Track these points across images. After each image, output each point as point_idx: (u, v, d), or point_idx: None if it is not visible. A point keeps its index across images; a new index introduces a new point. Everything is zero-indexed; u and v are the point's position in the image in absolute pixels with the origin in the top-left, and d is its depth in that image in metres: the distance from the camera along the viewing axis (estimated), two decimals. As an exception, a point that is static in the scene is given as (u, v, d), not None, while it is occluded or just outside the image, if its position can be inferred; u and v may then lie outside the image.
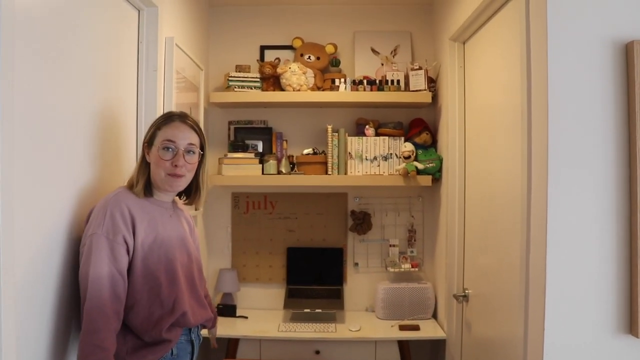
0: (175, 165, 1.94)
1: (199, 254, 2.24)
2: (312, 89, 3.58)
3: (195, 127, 2.02)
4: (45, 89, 1.68)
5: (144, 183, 1.97)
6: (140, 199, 1.94)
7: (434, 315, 3.60)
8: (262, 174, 3.57)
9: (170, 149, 1.94)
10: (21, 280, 1.55)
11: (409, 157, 3.49)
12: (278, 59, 3.63)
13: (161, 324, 1.92)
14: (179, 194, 2.14)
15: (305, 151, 3.67)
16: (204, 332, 2.33)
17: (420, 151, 3.54)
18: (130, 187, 1.97)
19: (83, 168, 1.96)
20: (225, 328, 3.41)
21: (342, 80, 3.55)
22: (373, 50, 3.74)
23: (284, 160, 3.62)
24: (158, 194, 2.02)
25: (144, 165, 1.99)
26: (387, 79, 3.55)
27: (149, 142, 1.98)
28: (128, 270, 1.87)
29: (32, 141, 1.61)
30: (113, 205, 1.84)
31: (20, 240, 1.54)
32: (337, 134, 3.55)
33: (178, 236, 2.06)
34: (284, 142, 3.70)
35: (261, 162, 3.58)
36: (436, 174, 3.50)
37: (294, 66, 3.53)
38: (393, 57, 3.72)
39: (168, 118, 2.00)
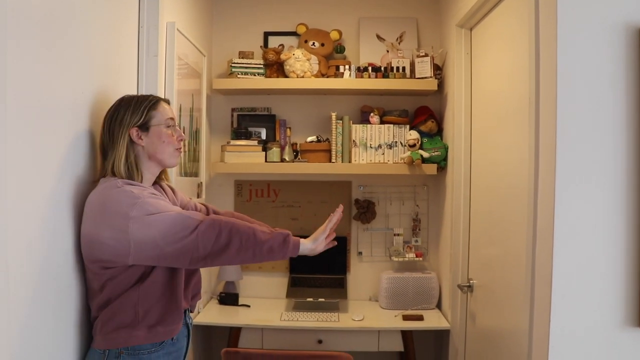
0: (181, 140, 2.03)
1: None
2: (316, 76, 3.54)
3: None
4: (42, 76, 1.64)
5: (142, 172, 1.95)
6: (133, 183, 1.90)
7: (438, 306, 3.58)
8: (265, 161, 3.54)
9: (172, 126, 2.00)
10: (17, 271, 1.52)
11: (414, 145, 3.45)
12: (282, 45, 3.59)
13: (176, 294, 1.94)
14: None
15: (309, 139, 3.63)
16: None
17: (425, 139, 3.49)
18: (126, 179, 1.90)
19: (82, 156, 1.92)
20: (227, 317, 3.40)
21: (347, 67, 3.51)
22: (378, 37, 3.69)
23: (287, 148, 3.59)
24: (147, 180, 1.98)
25: (132, 152, 1.92)
26: (393, 65, 3.50)
27: (142, 125, 1.93)
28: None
29: (28, 130, 1.57)
30: (121, 184, 1.81)
31: (16, 231, 1.51)
32: (341, 121, 3.51)
33: None
34: (288, 129, 3.67)
35: (264, 149, 3.56)
36: (441, 163, 3.46)
37: (298, 52, 3.49)
38: (399, 43, 3.66)
39: (154, 98, 1.99)
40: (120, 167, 1.89)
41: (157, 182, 2.08)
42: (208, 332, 3.67)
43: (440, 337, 3.58)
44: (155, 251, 1.76)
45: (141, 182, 1.94)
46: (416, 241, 3.73)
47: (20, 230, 1.54)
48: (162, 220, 1.76)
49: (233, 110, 3.78)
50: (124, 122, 1.91)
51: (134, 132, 1.92)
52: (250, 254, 1.81)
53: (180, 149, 2.04)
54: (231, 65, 3.52)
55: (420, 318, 3.35)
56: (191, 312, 2.14)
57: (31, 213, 1.61)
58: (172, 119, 2.00)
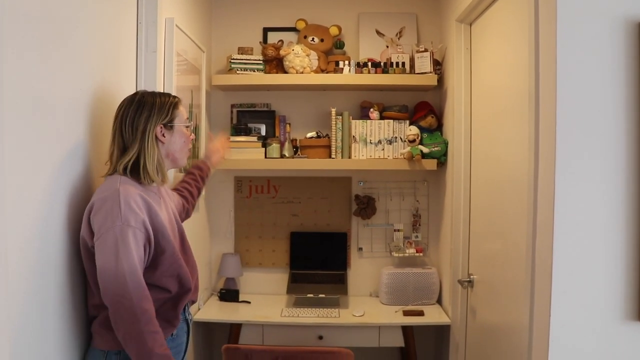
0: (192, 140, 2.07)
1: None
2: (316, 72, 3.53)
3: None
4: (40, 73, 1.63)
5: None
6: (139, 186, 1.88)
7: (439, 301, 3.58)
8: (265, 157, 3.53)
9: (189, 127, 2.04)
10: (15, 268, 1.52)
11: (414, 140, 3.44)
12: (281, 41, 3.57)
13: (178, 305, 1.97)
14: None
15: (309, 135, 3.62)
16: None
17: (425, 135, 3.49)
18: (135, 177, 1.89)
19: (81, 153, 1.92)
20: (228, 313, 3.40)
21: (347, 62, 3.50)
22: (378, 32, 3.67)
23: (287, 144, 3.59)
24: (158, 180, 1.96)
25: (158, 149, 1.93)
26: (392, 61, 3.49)
27: (167, 123, 1.94)
28: (156, 251, 1.88)
29: (25, 126, 1.56)
30: (124, 194, 1.78)
31: (15, 228, 1.51)
32: (341, 117, 3.51)
33: (168, 219, 2.03)
34: (287, 125, 3.66)
35: (264, 145, 3.55)
36: (441, 158, 3.46)
37: (298, 48, 3.48)
38: (398, 39, 3.65)
39: (175, 97, 2.01)
40: (152, 165, 1.89)
41: None
42: (208, 329, 3.68)
43: (441, 333, 3.58)
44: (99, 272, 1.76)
45: (162, 181, 1.96)
46: (416, 237, 3.73)
47: (19, 227, 1.54)
48: (117, 268, 1.72)
49: (232, 106, 3.77)
50: (151, 118, 1.91)
51: (158, 129, 1.92)
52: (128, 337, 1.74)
53: (190, 149, 2.08)
54: (230, 61, 3.51)
55: (420, 313, 3.35)
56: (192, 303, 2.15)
57: (29, 210, 1.60)
58: (188, 119, 2.04)
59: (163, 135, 1.93)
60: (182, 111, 2.01)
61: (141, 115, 1.89)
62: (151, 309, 1.76)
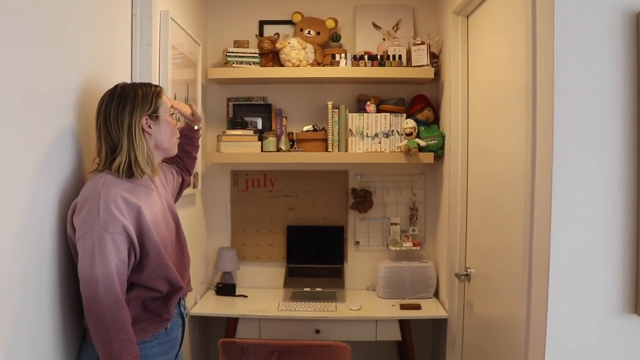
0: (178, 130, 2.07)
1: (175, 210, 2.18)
2: (312, 65, 3.52)
3: None
4: (31, 65, 1.62)
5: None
6: (126, 184, 1.85)
7: (436, 295, 3.57)
8: (262, 151, 3.52)
9: (173, 115, 2.02)
10: (8, 266, 1.51)
11: (411, 134, 3.43)
12: (277, 34, 3.55)
13: (169, 302, 1.96)
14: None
15: (305, 128, 3.61)
16: None
17: (422, 128, 3.48)
18: (126, 172, 1.85)
19: (72, 148, 1.90)
20: (225, 307, 3.40)
21: (343, 55, 3.48)
22: (374, 25, 3.66)
23: (283, 137, 3.57)
24: (148, 171, 1.93)
25: (146, 141, 1.89)
26: (389, 54, 3.48)
27: (152, 113, 1.90)
28: (141, 253, 1.86)
29: (16, 119, 1.55)
30: (105, 196, 1.75)
31: (5, 223, 1.49)
32: (337, 110, 3.49)
33: (161, 211, 2.01)
34: (284, 118, 3.65)
35: (260, 139, 3.53)
36: (438, 151, 3.45)
37: (294, 41, 3.46)
38: (395, 31, 3.64)
39: (157, 86, 1.97)
40: (143, 158, 1.86)
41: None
42: (205, 323, 3.67)
43: (438, 326, 3.58)
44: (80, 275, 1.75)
45: (152, 173, 1.92)
46: (413, 230, 3.73)
47: (11, 223, 1.53)
48: (91, 272, 1.70)
49: (229, 99, 3.76)
50: (135, 110, 1.86)
51: (144, 121, 1.88)
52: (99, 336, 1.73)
53: (179, 138, 2.07)
54: (226, 55, 3.49)
55: (417, 307, 3.35)
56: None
57: (21, 205, 1.59)
58: (172, 107, 2.02)
59: (149, 126, 1.90)
60: (165, 100, 1.96)
61: (125, 109, 1.84)
62: (124, 317, 1.73)
